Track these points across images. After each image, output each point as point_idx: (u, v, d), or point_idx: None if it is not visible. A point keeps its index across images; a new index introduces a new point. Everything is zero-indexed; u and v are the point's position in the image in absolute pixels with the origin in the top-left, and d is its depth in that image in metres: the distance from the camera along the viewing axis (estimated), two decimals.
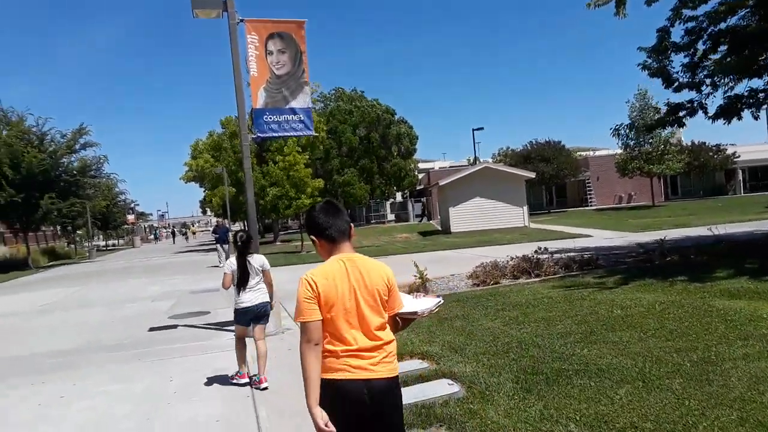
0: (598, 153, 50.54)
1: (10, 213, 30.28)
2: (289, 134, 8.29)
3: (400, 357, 5.97)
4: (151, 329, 9.68)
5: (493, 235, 25.81)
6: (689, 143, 42.48)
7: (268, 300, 6.00)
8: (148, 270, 23.95)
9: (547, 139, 43.11)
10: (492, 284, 10.91)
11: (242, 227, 76.46)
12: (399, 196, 57.43)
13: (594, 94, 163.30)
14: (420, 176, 55.03)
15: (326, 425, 2.30)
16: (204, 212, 71.59)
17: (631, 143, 39.58)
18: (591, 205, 46.53)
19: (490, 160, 49.10)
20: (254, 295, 5.84)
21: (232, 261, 5.82)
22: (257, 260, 5.91)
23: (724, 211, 29.95)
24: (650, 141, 38.68)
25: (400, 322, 2.64)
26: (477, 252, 19.24)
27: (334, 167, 44.55)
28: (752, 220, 23.41)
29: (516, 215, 29.30)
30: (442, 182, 29.97)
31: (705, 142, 43.46)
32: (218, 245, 22.29)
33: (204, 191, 37.79)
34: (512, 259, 12.81)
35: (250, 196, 8.45)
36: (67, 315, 12.45)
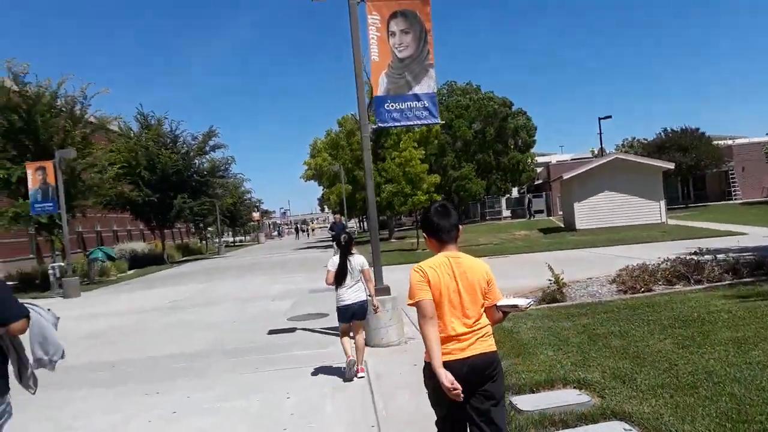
0: (739, 141, 45.13)
1: (147, 211, 32.52)
2: (412, 123, 7.50)
3: (551, 383, 5.00)
4: (271, 332, 9.37)
5: (626, 233, 23.52)
6: None
7: (365, 298, 6.33)
8: (272, 266, 24.49)
9: (684, 126, 39.07)
10: (643, 291, 9.44)
11: (357, 224, 77.94)
12: (515, 192, 55.22)
13: (731, 75, 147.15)
14: (538, 170, 52.51)
15: (452, 383, 2.67)
16: (322, 209, 73.81)
17: None
18: (735, 199, 41.61)
19: (614, 151, 45.57)
20: (353, 294, 6.23)
21: (335, 260, 6.28)
22: (357, 260, 6.26)
23: None
24: None
25: (501, 315, 3.05)
26: (612, 252, 17.42)
27: (449, 162, 43.58)
28: None
29: (651, 210, 26.59)
30: (566, 175, 27.93)
31: None
32: (335, 243, 21.59)
33: (322, 189, 38.42)
34: (664, 261, 11.18)
35: (370, 190, 7.79)
36: (193, 313, 12.64)
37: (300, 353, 7.69)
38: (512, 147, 47.32)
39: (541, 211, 47.40)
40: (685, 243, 17.98)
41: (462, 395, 2.69)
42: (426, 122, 7.49)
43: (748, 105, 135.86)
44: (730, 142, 42.46)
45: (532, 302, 3.23)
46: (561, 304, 9.11)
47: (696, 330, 6.21)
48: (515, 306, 3.00)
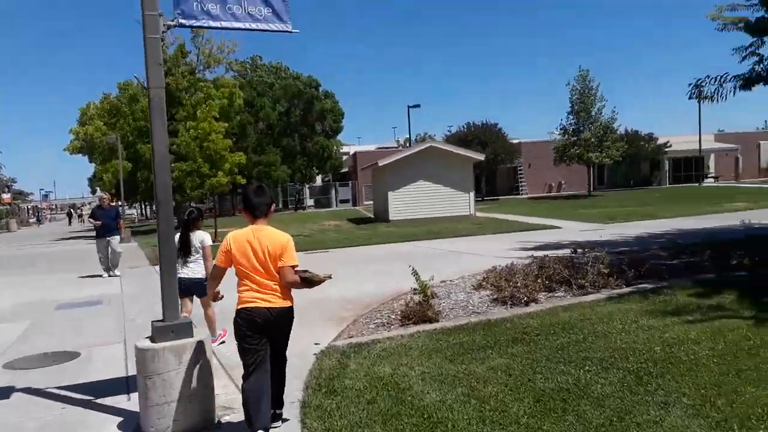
0: (526, 140, 48.87)
1: None
2: (243, 26, 4.20)
3: None
4: None
5: (442, 225, 22.47)
6: (623, 131, 41.43)
7: (202, 276, 6.16)
8: (13, 264, 18.42)
9: (485, 121, 40.56)
10: (526, 301, 7.39)
11: (139, 209, 68.64)
12: (319, 180, 53.13)
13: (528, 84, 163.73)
14: (344, 158, 51.03)
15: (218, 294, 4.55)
16: (93, 192, 63.20)
17: (571, 128, 37.90)
18: (522, 193, 44.75)
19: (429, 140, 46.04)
20: (187, 269, 6.13)
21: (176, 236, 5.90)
22: (198, 236, 6.20)
23: (672, 202, 28.58)
24: (590, 127, 37.13)
25: (299, 278, 3.84)
26: (441, 246, 15.77)
27: (251, 144, 39.58)
28: (721, 212, 21.69)
29: (462, 202, 26.17)
30: (382, 162, 26.22)
31: (638, 131, 42.75)
32: (99, 239, 13.01)
33: (94, 166, 31.59)
34: (532, 260, 9.42)
35: (160, 156, 4.29)
36: None
37: None
38: (319, 131, 44.93)
39: (346, 201, 45.91)
40: (511, 237, 17.19)
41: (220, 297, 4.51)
42: (268, 27, 4.23)
43: (533, 108, 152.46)
44: (517, 140, 45.39)
45: (329, 275, 4.09)
46: (437, 325, 6.59)
47: (694, 381, 4.02)
48: (306, 270, 3.93)
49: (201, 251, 6.16)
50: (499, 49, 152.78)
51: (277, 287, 3.76)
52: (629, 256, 9.70)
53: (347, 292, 9.09)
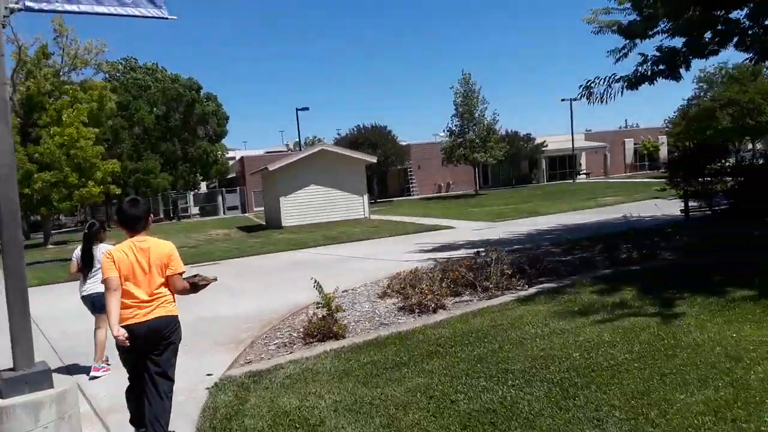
0: (414, 141, 49.81)
1: None
2: (106, 10, 3.41)
3: None
4: None
5: (336, 229, 22.07)
6: (504, 132, 43.34)
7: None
8: None
9: (375, 123, 40.66)
10: (434, 308, 7.12)
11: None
12: (204, 187, 50.62)
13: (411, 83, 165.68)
14: (230, 163, 49.01)
15: (122, 336, 3.51)
16: None
17: (457, 130, 38.99)
18: (413, 194, 45.44)
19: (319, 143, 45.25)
20: (94, 284, 5.84)
21: (78, 250, 6.10)
22: (102, 249, 5.88)
23: (552, 199, 30.20)
24: (474, 128, 38.42)
25: (188, 284, 3.92)
26: (339, 252, 15.32)
27: (126, 151, 36.79)
28: (596, 207, 23.17)
29: (356, 205, 25.91)
30: (272, 167, 25.25)
31: (518, 132, 44.93)
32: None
33: None
34: (435, 263, 9.25)
35: (4, 156, 3.45)
36: None
37: None
38: (202, 136, 42.77)
39: (235, 208, 44.02)
40: (408, 239, 17.11)
41: (128, 342, 3.52)
42: (139, 13, 3.47)
43: (420, 111, 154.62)
44: (406, 142, 46.03)
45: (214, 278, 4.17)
46: (344, 342, 6.11)
47: (621, 390, 3.85)
48: (196, 275, 4.07)
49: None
50: (387, 53, 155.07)
51: (162, 298, 3.75)
52: (526, 254, 9.82)
53: (241, 309, 8.38)
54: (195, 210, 45.96)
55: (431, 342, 5.55)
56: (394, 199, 43.05)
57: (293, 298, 8.53)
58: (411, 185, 46.10)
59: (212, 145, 43.90)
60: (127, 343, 3.47)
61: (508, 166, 45.68)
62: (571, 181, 46.40)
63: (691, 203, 14.42)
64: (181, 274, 3.82)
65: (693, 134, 42.37)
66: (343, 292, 8.71)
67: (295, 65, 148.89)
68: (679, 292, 6.45)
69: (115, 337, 3.48)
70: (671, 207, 15.53)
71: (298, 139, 41.78)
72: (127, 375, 3.84)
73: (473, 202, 32.96)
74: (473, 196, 38.50)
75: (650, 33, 12.12)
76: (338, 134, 42.54)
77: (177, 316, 3.82)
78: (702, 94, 42.63)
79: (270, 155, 44.77)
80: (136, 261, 3.68)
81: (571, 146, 47.86)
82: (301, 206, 25.01)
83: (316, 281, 7.01)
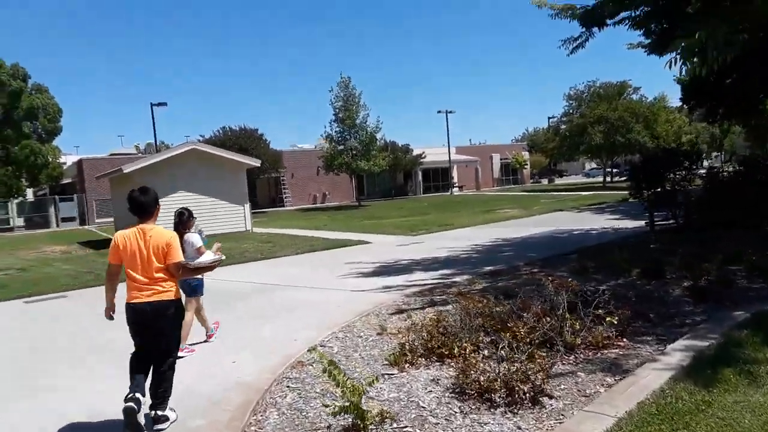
0: (288, 149, 46.00)
1: None
2: None
3: None
4: None
5: (224, 244, 17.82)
6: (382, 142, 41.23)
7: (200, 277, 6.30)
8: None
9: (243, 126, 36.23)
10: (532, 397, 4.01)
11: None
12: (30, 194, 42.09)
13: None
14: (65, 167, 41.24)
15: (111, 312, 4.32)
16: None
17: (337, 137, 36.07)
18: (287, 205, 41.53)
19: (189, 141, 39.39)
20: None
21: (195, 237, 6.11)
22: (191, 237, 6.05)
23: (447, 211, 28.33)
24: (356, 135, 35.77)
25: (188, 270, 4.50)
26: (242, 277, 11.55)
27: None
28: (502, 219, 21.52)
29: (237, 216, 21.81)
30: (128, 168, 20.19)
31: (396, 142, 43.14)
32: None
33: None
34: (447, 294, 6.14)
35: None
36: None
37: None
38: (31, 133, 35.20)
39: (71, 219, 36.71)
40: (324, 258, 13.73)
41: (113, 317, 4.29)
42: None
43: (289, 118, 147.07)
44: (279, 149, 42.10)
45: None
46: None
47: None
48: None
49: (197, 252, 5.83)
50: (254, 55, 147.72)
51: (161, 282, 4.10)
52: (557, 279, 7.03)
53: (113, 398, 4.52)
54: (19, 222, 37.70)
55: None
56: (267, 210, 38.81)
57: (213, 363, 4.87)
58: (284, 195, 42.13)
59: (42, 145, 36.39)
60: (113, 319, 4.26)
61: (387, 177, 43.72)
62: (449, 193, 45.70)
63: (645, 214, 12.94)
64: (176, 263, 4.13)
65: (566, 150, 43.96)
66: (322, 345, 5.28)
67: (152, 60, 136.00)
68: None
69: (108, 315, 4.29)
70: (599, 221, 13.97)
71: (153, 140, 35.85)
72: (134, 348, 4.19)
73: (362, 214, 30.05)
74: (356, 207, 35.76)
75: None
76: (201, 137, 37.19)
77: (175, 299, 4.18)
78: (571, 111, 44.22)
79: (116, 158, 38.28)
80: (138, 247, 4.09)
81: (447, 159, 47.30)
82: (168, 217, 20.28)
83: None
